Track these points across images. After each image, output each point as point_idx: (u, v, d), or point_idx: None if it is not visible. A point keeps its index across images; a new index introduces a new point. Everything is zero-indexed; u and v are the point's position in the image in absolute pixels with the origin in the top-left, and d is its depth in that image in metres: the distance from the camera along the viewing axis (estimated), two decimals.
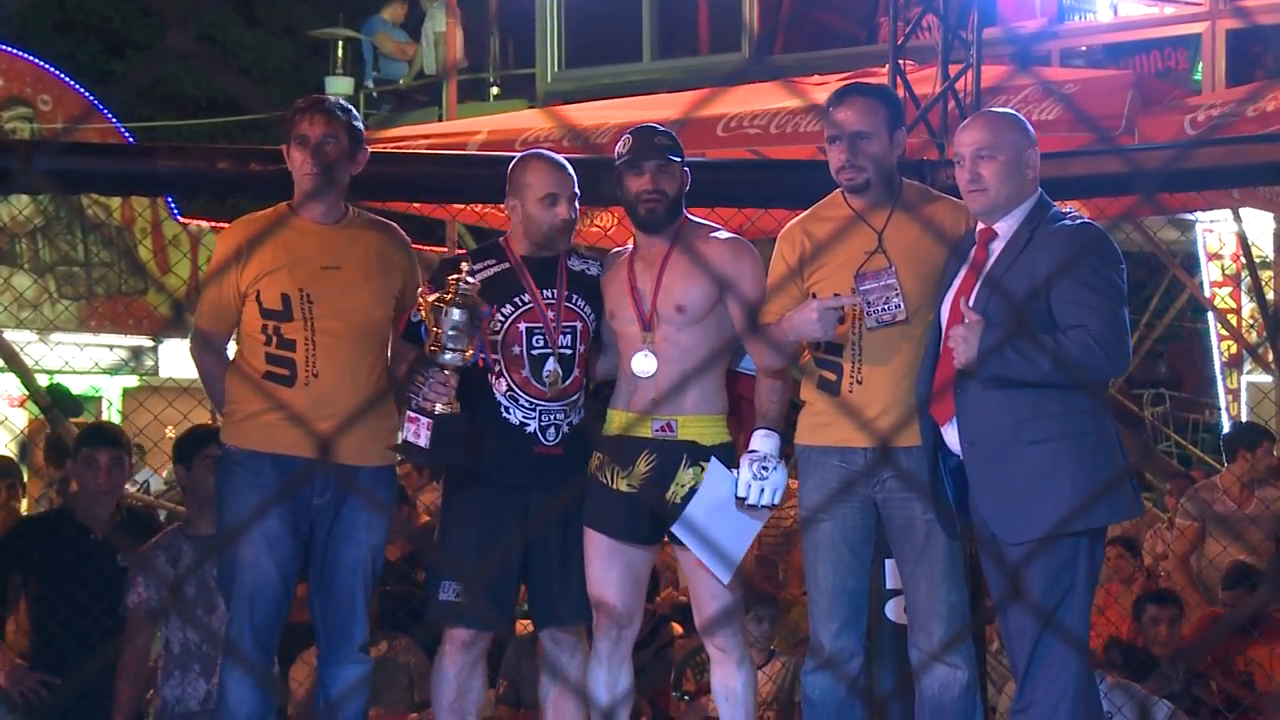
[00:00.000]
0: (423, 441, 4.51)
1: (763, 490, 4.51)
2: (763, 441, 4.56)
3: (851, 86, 4.69)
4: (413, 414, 4.53)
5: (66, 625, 5.55)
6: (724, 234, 4.83)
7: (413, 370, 4.57)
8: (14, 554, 5.68)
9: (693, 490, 4.62)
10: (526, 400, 4.66)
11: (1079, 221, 4.30)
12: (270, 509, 4.60)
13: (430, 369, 4.50)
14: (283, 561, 4.63)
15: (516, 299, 4.69)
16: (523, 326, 4.67)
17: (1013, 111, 4.55)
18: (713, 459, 4.62)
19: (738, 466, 4.55)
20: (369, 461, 4.69)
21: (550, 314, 4.69)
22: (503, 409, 4.66)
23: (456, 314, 4.46)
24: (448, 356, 4.49)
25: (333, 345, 4.62)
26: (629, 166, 4.67)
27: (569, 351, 4.70)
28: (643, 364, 4.65)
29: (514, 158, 4.89)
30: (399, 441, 4.61)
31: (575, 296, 4.75)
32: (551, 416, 4.68)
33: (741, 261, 4.71)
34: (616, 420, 4.72)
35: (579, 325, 4.73)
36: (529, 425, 4.67)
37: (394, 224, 4.91)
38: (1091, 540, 4.26)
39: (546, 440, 4.68)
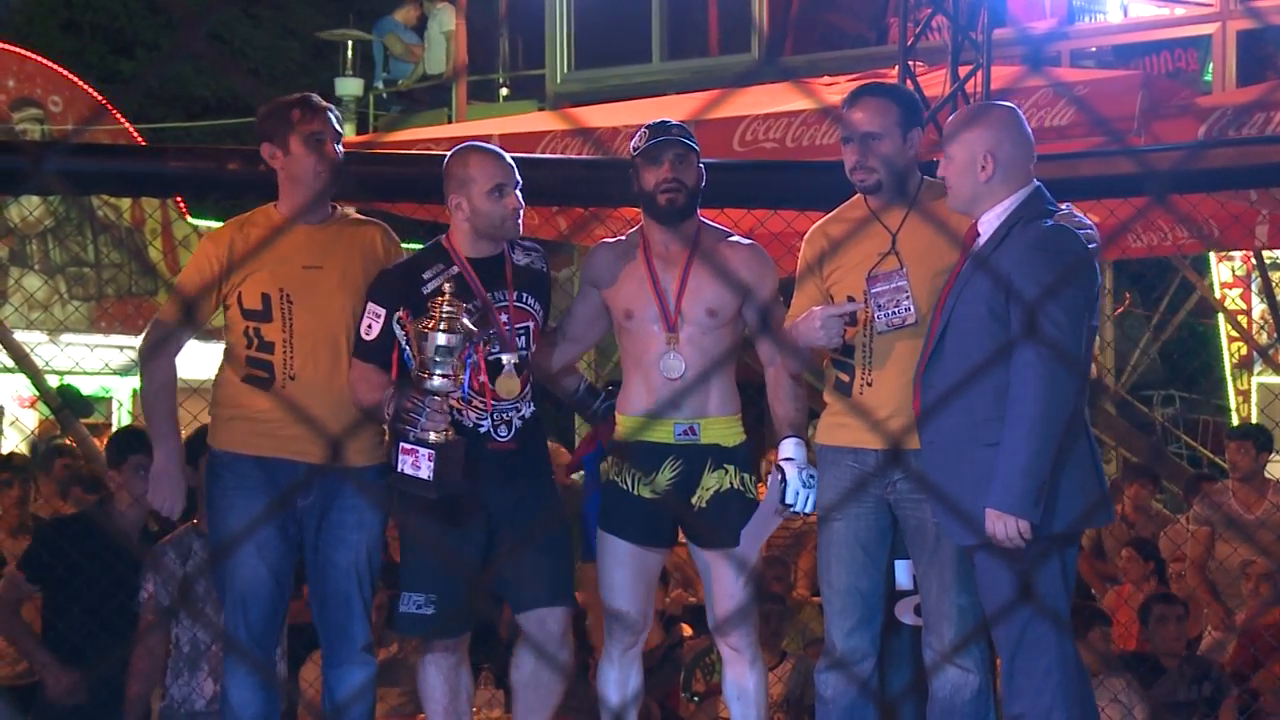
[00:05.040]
0: (424, 473, 4.37)
1: (809, 498, 4.51)
2: (797, 450, 4.55)
3: (865, 87, 4.67)
4: (409, 446, 4.38)
5: (95, 634, 5.51)
6: (743, 239, 4.82)
7: (400, 399, 4.42)
8: (41, 565, 5.61)
9: (717, 494, 4.63)
10: (480, 402, 4.58)
11: (1050, 225, 4.18)
12: (257, 513, 4.56)
13: (424, 397, 4.37)
14: (273, 562, 4.61)
15: (469, 305, 4.55)
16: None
17: (985, 105, 4.50)
18: (785, 465, 4.54)
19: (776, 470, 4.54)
20: (356, 461, 4.66)
21: (503, 318, 4.61)
22: (456, 413, 4.54)
23: (443, 339, 4.33)
24: (437, 383, 4.36)
25: (311, 347, 4.59)
26: (646, 157, 4.64)
27: (525, 353, 4.64)
28: (671, 365, 4.63)
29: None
30: (394, 472, 4.45)
31: (524, 295, 4.66)
32: (503, 414, 4.61)
33: (765, 269, 4.72)
34: (630, 424, 4.69)
35: (530, 325, 4.66)
36: (482, 425, 4.59)
37: (382, 223, 4.85)
38: (1061, 546, 4.19)
39: (499, 437, 4.60)
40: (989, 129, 4.24)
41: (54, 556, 5.58)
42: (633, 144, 4.71)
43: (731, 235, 4.82)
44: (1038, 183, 4.29)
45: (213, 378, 4.74)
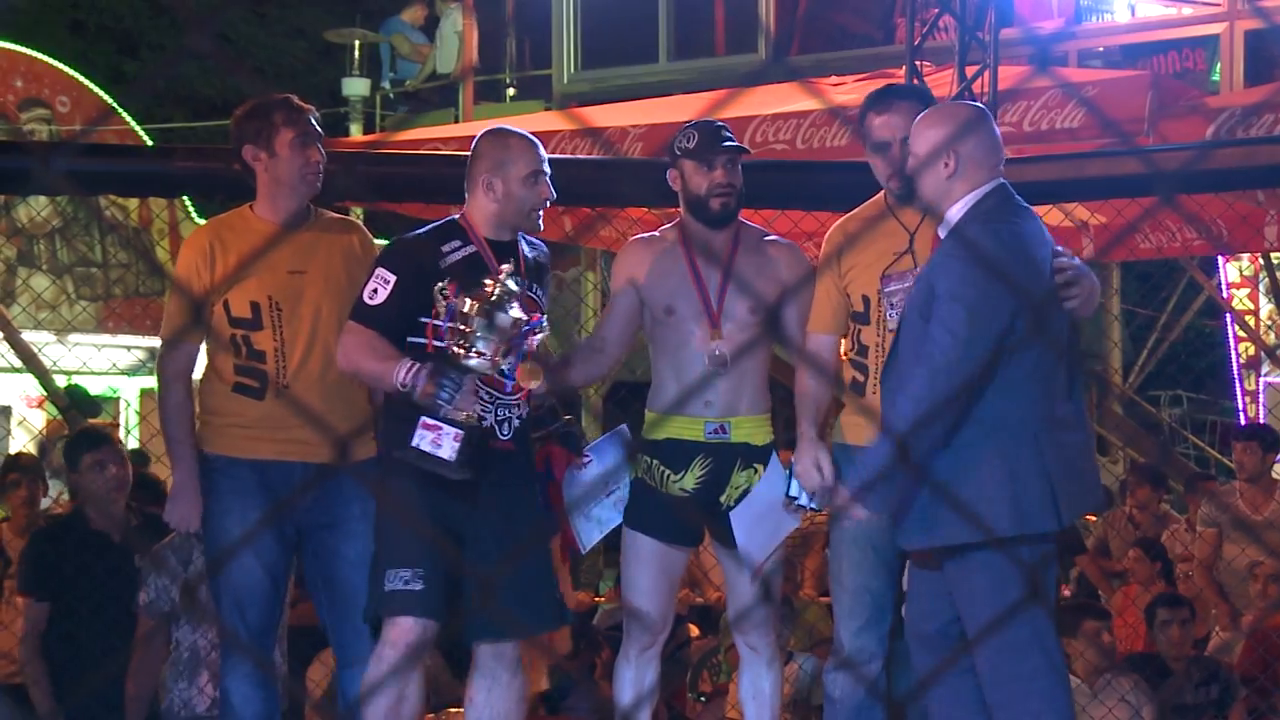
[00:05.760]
0: (445, 453, 4.23)
1: (813, 493, 4.51)
2: (810, 448, 4.52)
3: (893, 91, 4.66)
4: (434, 421, 4.23)
5: (92, 634, 5.54)
6: (782, 240, 4.82)
7: (434, 373, 4.23)
8: (38, 572, 5.66)
9: (745, 493, 4.61)
10: (486, 393, 4.41)
11: (987, 227, 4.11)
12: (252, 514, 4.54)
13: (462, 375, 4.22)
14: (269, 562, 4.58)
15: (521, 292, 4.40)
16: None
17: (949, 104, 4.48)
18: (772, 457, 4.59)
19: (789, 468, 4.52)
20: (353, 456, 4.64)
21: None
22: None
23: (503, 317, 4.19)
24: (474, 361, 4.22)
25: (303, 353, 4.55)
26: (698, 160, 4.61)
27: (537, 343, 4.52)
28: (715, 361, 4.59)
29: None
30: (410, 446, 4.28)
31: (533, 285, 4.53)
32: (506, 411, 4.46)
33: (805, 272, 4.71)
34: (660, 421, 4.66)
35: (540, 318, 4.54)
36: (485, 419, 4.42)
37: (360, 225, 4.80)
38: (1035, 552, 4.07)
39: (501, 435, 4.45)
40: (952, 127, 4.20)
41: (47, 565, 5.63)
42: (679, 143, 4.66)
43: (769, 235, 4.82)
44: (1003, 180, 4.22)
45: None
